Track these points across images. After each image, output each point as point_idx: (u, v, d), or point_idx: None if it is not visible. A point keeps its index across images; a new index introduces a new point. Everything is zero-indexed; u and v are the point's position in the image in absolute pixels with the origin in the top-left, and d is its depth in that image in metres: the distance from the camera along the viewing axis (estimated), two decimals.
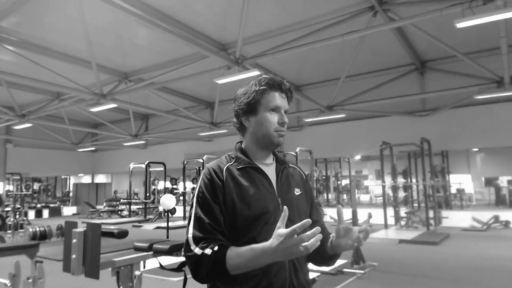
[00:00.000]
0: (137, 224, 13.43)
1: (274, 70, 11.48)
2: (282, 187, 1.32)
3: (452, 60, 10.76)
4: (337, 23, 7.65)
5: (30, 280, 3.53)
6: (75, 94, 10.22)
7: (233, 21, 7.73)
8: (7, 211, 12.21)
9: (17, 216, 11.36)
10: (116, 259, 3.05)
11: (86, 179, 23.71)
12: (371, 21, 7.43)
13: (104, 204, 18.46)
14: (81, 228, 2.81)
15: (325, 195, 16.74)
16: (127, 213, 16.42)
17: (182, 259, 2.84)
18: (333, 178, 17.06)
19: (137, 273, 3.20)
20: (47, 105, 13.03)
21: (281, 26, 8.45)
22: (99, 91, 9.40)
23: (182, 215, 15.12)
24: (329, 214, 12.42)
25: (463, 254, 7.23)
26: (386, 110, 11.96)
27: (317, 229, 1.04)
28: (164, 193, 14.05)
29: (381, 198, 12.46)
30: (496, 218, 10.61)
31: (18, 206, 15.23)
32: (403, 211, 11.17)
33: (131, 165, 16.13)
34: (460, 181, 15.69)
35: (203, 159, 13.97)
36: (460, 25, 5.67)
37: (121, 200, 17.98)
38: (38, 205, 18.71)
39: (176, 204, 13.35)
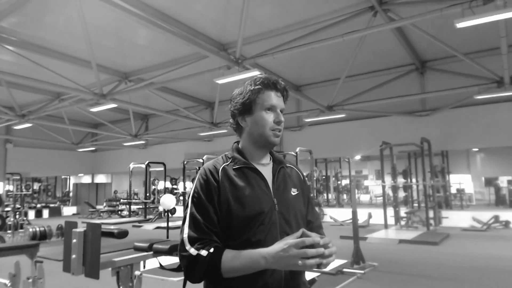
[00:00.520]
0: (137, 224, 13.43)
1: (274, 70, 11.48)
2: (278, 188, 1.32)
3: (452, 60, 10.76)
4: (337, 23, 7.66)
5: (30, 280, 3.52)
6: (75, 94, 10.22)
7: (233, 21, 7.73)
8: (7, 211, 12.21)
9: (17, 216, 11.35)
10: (116, 259, 3.05)
11: (86, 179, 23.72)
12: (371, 21, 7.44)
13: (104, 204, 18.46)
14: (81, 228, 2.81)
15: (325, 195, 16.75)
16: (127, 213, 16.42)
17: None
18: (333, 178, 17.07)
19: (137, 273, 3.20)
20: (47, 105, 13.03)
21: (281, 26, 8.45)
22: (99, 91, 9.40)
23: (182, 215, 15.10)
24: (329, 214, 12.43)
25: (463, 254, 7.23)
26: (386, 110, 11.96)
27: (318, 250, 1.04)
28: (164, 193, 14.06)
29: (381, 198, 12.46)
30: (496, 218, 10.61)
31: (18, 206, 15.21)
32: (403, 211, 11.17)
33: (131, 165, 16.13)
34: (460, 181, 15.70)
35: (203, 159, 13.97)
36: (460, 25, 5.67)
37: (121, 200, 17.98)
38: (38, 205, 18.71)
39: (176, 204, 13.36)
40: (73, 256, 2.74)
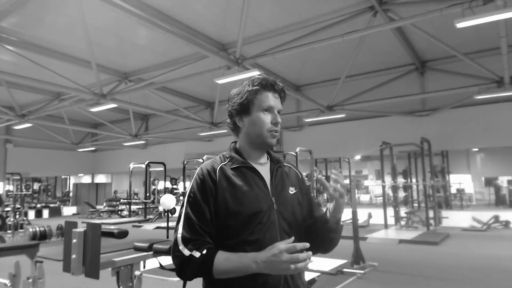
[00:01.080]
0: (137, 224, 13.44)
1: (274, 70, 11.47)
2: (276, 186, 1.32)
3: (452, 60, 10.76)
4: (337, 23, 7.65)
5: (30, 280, 3.52)
6: (75, 94, 10.22)
7: (233, 21, 7.73)
8: (7, 211, 12.21)
9: (17, 216, 11.35)
10: (116, 259, 3.05)
11: (86, 179, 23.72)
12: (371, 21, 7.43)
13: (104, 204, 18.45)
14: (81, 228, 2.81)
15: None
16: (127, 213, 16.42)
17: None
18: None
19: (137, 273, 3.20)
20: (47, 105, 13.03)
21: (281, 26, 8.45)
22: (99, 91, 9.39)
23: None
24: None
25: (463, 254, 7.23)
26: (386, 110, 11.96)
27: (308, 254, 1.09)
28: (164, 193, 14.05)
29: (381, 198, 12.46)
30: (496, 218, 10.61)
31: (18, 206, 15.21)
32: (403, 211, 11.17)
33: (131, 165, 16.13)
34: (460, 181, 15.70)
35: (203, 159, 13.95)
36: (460, 25, 5.67)
37: (121, 200, 17.98)
38: (38, 205, 18.71)
39: (176, 204, 13.33)
40: (73, 256, 2.74)
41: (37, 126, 14.64)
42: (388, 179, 12.31)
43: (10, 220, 10.18)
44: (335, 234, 1.33)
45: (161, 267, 3.38)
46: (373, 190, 20.91)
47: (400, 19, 7.08)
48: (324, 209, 1.34)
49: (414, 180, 13.01)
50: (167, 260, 3.31)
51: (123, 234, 3.55)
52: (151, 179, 17.26)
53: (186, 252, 1.18)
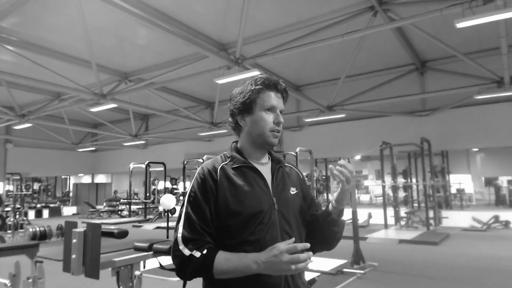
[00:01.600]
0: (137, 224, 13.43)
1: (274, 70, 11.47)
2: (277, 187, 1.32)
3: (452, 60, 10.76)
4: (337, 23, 7.65)
5: (30, 280, 3.52)
6: (75, 94, 10.22)
7: (233, 21, 7.73)
8: (7, 211, 12.21)
9: (17, 216, 11.35)
10: (116, 259, 3.05)
11: (86, 179, 23.71)
12: (371, 21, 7.43)
13: (104, 204, 18.45)
14: (81, 228, 2.81)
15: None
16: (127, 213, 16.42)
17: None
18: None
19: (137, 273, 3.20)
20: (47, 105, 13.03)
21: (281, 26, 8.45)
22: (99, 91, 9.39)
23: None
24: None
25: (463, 254, 7.23)
26: (386, 110, 11.96)
27: (308, 254, 1.09)
28: (164, 193, 14.05)
29: (381, 198, 12.46)
30: (496, 218, 10.61)
31: (18, 206, 15.22)
32: (403, 211, 11.17)
33: (131, 165, 16.13)
34: (460, 181, 15.70)
35: (203, 159, 13.95)
36: (460, 25, 5.67)
37: (121, 200, 17.98)
38: (38, 205, 18.71)
39: (176, 204, 13.33)
40: (73, 256, 2.74)
41: (37, 126, 14.64)
42: (388, 179, 12.31)
43: (10, 220, 10.19)
44: (338, 227, 1.33)
45: (161, 267, 3.38)
46: (373, 190, 20.91)
47: (400, 19, 7.08)
48: (328, 204, 1.34)
49: (414, 180, 13.00)
50: (167, 260, 3.32)
51: (123, 234, 3.55)
52: (151, 179, 17.26)
53: (187, 252, 1.17)
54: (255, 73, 7.47)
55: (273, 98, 1.32)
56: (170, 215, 9.88)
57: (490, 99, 10.07)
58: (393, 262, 6.60)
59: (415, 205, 12.35)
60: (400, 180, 12.18)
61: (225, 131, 14.43)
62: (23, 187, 17.88)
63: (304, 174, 1.60)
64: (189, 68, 9.68)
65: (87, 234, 2.75)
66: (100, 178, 23.74)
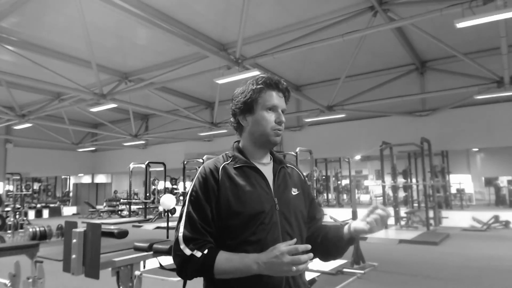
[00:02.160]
0: (137, 224, 13.43)
1: (274, 70, 11.47)
2: (279, 187, 1.32)
3: (452, 60, 10.76)
4: (337, 23, 7.65)
5: (30, 280, 3.52)
6: (75, 94, 10.22)
7: (233, 21, 7.73)
8: (7, 211, 12.21)
9: (17, 216, 11.35)
10: (116, 259, 3.05)
11: (86, 179, 23.71)
12: (371, 21, 7.43)
13: (104, 204, 18.45)
14: (81, 228, 2.81)
15: (325, 195, 16.74)
16: (127, 213, 16.42)
17: None
18: (333, 178, 17.06)
19: (137, 273, 3.20)
20: (47, 105, 13.03)
21: (281, 26, 8.45)
22: (99, 91, 9.39)
23: None
24: (329, 214, 12.42)
25: (463, 254, 7.23)
26: (386, 110, 11.96)
27: (309, 255, 1.09)
28: (164, 193, 14.05)
29: (381, 198, 12.46)
30: (496, 218, 10.61)
31: (18, 206, 15.22)
32: (403, 211, 11.17)
33: (131, 165, 16.13)
34: (460, 181, 15.68)
35: (203, 159, 13.96)
36: (460, 25, 5.67)
37: (121, 200, 17.98)
38: (38, 205, 18.70)
39: (176, 204, 13.32)
40: (73, 256, 2.74)
41: (37, 126, 14.64)
42: (388, 179, 12.30)
43: (10, 220, 10.18)
44: (344, 250, 1.36)
45: (161, 267, 3.39)
46: (373, 190, 20.89)
47: (400, 19, 7.08)
48: (344, 226, 1.34)
49: (414, 180, 13.00)
50: (167, 260, 3.32)
51: (123, 234, 3.55)
52: (151, 179, 17.27)
53: (187, 252, 1.17)
54: (255, 73, 7.47)
55: (275, 97, 1.31)
56: (170, 215, 9.90)
57: (490, 99, 10.07)
58: (393, 262, 6.60)
59: (415, 205, 12.35)
60: (400, 180, 12.18)
61: (225, 131, 14.43)
62: (23, 187, 17.89)
63: (304, 174, 1.59)
64: (189, 68, 9.68)
65: (87, 234, 2.74)
66: (100, 178, 23.74)
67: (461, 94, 10.26)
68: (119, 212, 16.72)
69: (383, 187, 11.64)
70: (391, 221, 10.96)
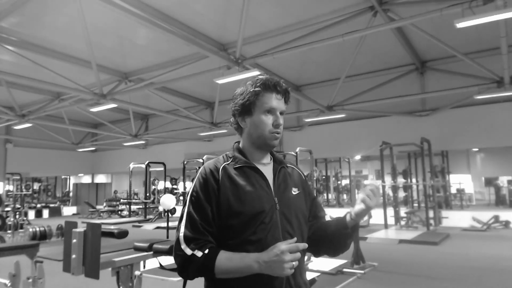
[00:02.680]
0: (137, 224, 13.43)
1: (274, 70, 11.47)
2: (279, 187, 1.32)
3: (452, 60, 10.76)
4: (337, 23, 7.65)
5: (30, 280, 3.52)
6: (75, 94, 10.22)
7: (233, 21, 7.73)
8: (7, 211, 12.20)
9: (17, 216, 11.35)
10: (116, 259, 3.05)
11: (86, 179, 23.71)
12: (371, 21, 7.43)
13: (104, 204, 18.45)
14: (81, 228, 2.81)
15: (325, 195, 16.74)
16: (127, 213, 16.42)
17: None
18: (333, 178, 17.06)
19: (137, 273, 3.20)
20: (47, 105, 13.03)
21: (281, 26, 8.45)
22: (99, 91, 9.39)
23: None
24: (329, 214, 12.41)
25: (463, 254, 7.23)
26: (386, 110, 11.95)
27: (304, 244, 1.14)
28: (164, 193, 14.05)
29: (381, 198, 12.45)
30: (496, 218, 10.61)
31: (18, 206, 15.21)
32: (403, 211, 11.17)
33: (131, 165, 16.13)
34: (460, 181, 15.69)
35: (203, 159, 13.96)
36: (460, 25, 5.67)
37: (121, 200, 17.98)
38: (38, 205, 18.70)
39: (176, 204, 13.34)
40: (73, 256, 2.74)
41: (37, 126, 14.64)
42: (388, 179, 12.30)
43: (10, 220, 10.18)
44: (351, 239, 1.36)
45: (161, 267, 3.38)
46: None
47: (400, 19, 7.08)
48: (345, 214, 1.34)
49: (414, 180, 13.00)
50: (167, 260, 3.32)
51: (123, 234, 3.55)
52: (151, 179, 17.27)
53: (188, 251, 1.18)
54: (255, 73, 7.47)
55: (273, 100, 1.31)
56: (170, 215, 9.89)
57: (490, 99, 10.07)
58: (393, 262, 6.60)
59: (415, 205, 12.35)
60: (400, 180, 12.18)
61: (225, 131, 14.43)
62: (23, 187, 17.88)
63: (305, 174, 1.60)
64: (189, 68, 9.68)
65: (87, 234, 2.74)
66: (100, 178, 23.74)
67: (461, 94, 10.26)
68: (119, 212, 16.72)
69: (383, 187, 11.63)
70: (391, 221, 10.97)
